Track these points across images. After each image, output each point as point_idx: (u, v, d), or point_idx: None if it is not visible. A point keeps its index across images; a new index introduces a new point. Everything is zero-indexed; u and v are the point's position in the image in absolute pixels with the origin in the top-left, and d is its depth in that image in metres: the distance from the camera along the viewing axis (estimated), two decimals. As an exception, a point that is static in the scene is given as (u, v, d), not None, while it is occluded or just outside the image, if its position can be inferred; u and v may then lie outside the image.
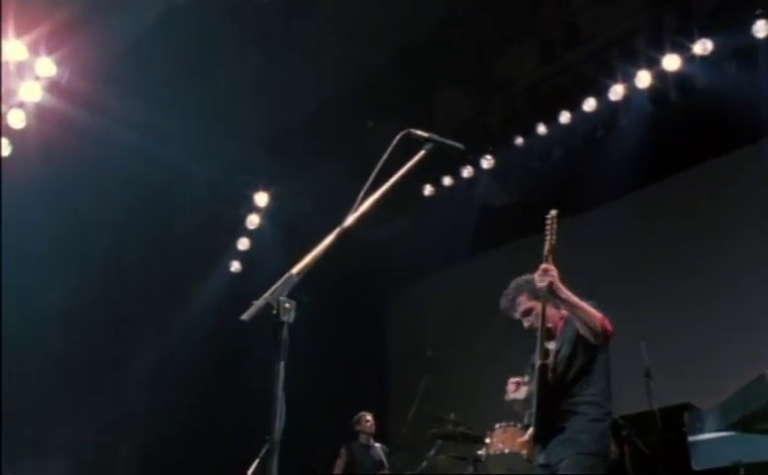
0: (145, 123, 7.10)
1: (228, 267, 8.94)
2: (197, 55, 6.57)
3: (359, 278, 9.74)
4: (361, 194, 2.17)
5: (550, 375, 3.72)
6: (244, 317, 1.90)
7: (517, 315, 4.09)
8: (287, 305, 1.89)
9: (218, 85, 6.93)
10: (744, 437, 4.09)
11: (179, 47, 6.41)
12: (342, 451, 7.36)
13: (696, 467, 4.58)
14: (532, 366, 3.89)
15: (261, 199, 8.61)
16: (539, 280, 3.67)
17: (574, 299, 3.68)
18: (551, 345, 3.80)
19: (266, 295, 1.89)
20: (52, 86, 6.69)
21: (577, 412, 3.70)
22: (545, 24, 6.74)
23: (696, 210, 7.84)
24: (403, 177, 2.26)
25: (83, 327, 7.67)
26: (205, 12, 6.24)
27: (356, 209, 2.16)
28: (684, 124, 7.18)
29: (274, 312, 1.88)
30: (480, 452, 5.69)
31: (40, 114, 6.71)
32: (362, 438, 7.46)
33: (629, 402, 5.77)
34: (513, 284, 4.13)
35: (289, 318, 1.89)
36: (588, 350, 3.75)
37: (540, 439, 3.72)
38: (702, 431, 4.39)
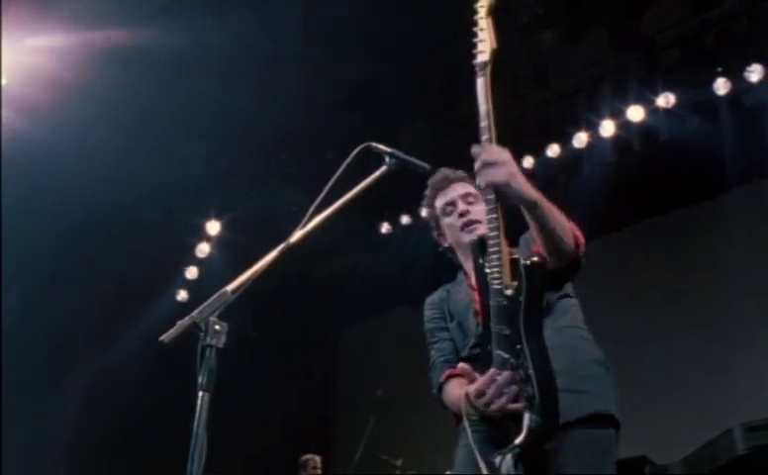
0: (100, 142, 6.84)
1: (174, 295, 8.59)
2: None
3: (309, 314, 9.49)
4: (311, 209, 1.93)
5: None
6: (164, 338, 1.58)
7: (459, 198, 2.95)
8: (217, 327, 1.59)
9: (174, 112, 6.72)
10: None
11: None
12: None
13: (657, 524, 4.40)
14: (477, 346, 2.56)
15: (213, 227, 8.32)
16: (485, 174, 2.27)
17: (542, 198, 2.46)
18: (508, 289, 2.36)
19: (194, 313, 1.59)
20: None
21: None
22: (515, 60, 6.67)
23: (657, 260, 7.77)
24: (359, 194, 2.05)
25: (19, 343, 7.24)
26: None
27: (304, 225, 1.92)
28: (646, 174, 7.15)
29: (202, 333, 1.58)
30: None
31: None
32: (307, 483, 7.13)
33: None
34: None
35: (218, 341, 1.58)
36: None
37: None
38: (665, 487, 4.21)
